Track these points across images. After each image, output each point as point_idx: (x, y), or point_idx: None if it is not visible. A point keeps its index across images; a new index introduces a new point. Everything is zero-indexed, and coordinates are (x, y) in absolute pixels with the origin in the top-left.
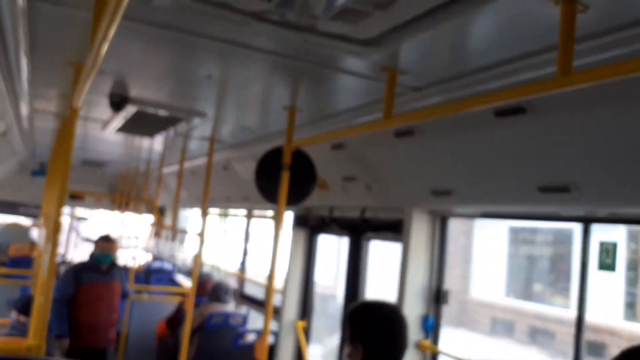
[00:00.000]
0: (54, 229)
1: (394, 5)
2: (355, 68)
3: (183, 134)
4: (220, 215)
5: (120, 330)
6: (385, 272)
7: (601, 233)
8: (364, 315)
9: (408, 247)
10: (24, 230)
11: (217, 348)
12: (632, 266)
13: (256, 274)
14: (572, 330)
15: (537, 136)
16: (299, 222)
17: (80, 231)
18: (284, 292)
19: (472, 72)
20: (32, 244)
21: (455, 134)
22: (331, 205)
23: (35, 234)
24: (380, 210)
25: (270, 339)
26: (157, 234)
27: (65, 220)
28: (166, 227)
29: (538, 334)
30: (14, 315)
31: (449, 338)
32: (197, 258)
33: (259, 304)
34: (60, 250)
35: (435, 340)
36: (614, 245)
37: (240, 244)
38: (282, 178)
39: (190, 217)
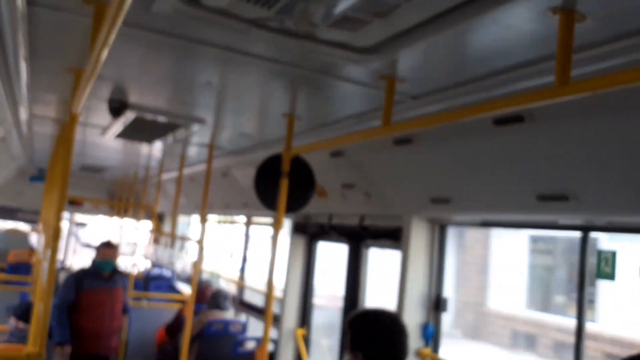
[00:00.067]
0: (54, 235)
1: (393, 14)
2: (354, 76)
3: (182, 141)
4: (220, 222)
5: (120, 337)
6: (385, 279)
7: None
8: (364, 323)
9: (407, 255)
10: (23, 236)
11: (217, 355)
12: None
13: (254, 280)
14: (601, 346)
15: (536, 144)
16: (298, 229)
17: (80, 237)
18: (283, 299)
19: (470, 80)
20: (31, 250)
21: (454, 142)
22: (330, 213)
23: (34, 239)
24: (379, 217)
25: (270, 347)
26: (156, 241)
27: (64, 226)
28: (165, 234)
29: (563, 349)
30: (12, 321)
31: (466, 351)
32: (197, 265)
33: (259, 312)
34: (60, 256)
35: (435, 348)
36: (613, 254)
37: (239, 251)
38: (281, 185)
39: (191, 223)
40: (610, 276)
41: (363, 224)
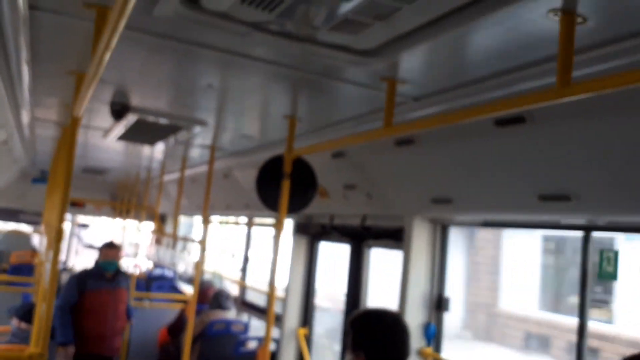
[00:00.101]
0: (56, 237)
1: (394, 17)
2: (355, 78)
3: (184, 142)
4: (221, 222)
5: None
6: (387, 279)
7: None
8: (366, 323)
9: (409, 255)
10: (26, 238)
11: (219, 355)
12: None
13: (256, 280)
14: (619, 348)
15: (537, 145)
16: (300, 229)
17: (82, 238)
18: (285, 299)
19: (471, 82)
20: (34, 251)
21: (455, 143)
22: (332, 213)
23: (37, 241)
24: (380, 218)
25: (271, 347)
26: (157, 242)
27: (66, 227)
28: (167, 235)
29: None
30: (15, 322)
31: (477, 354)
32: (199, 265)
33: (260, 312)
34: (62, 257)
35: (437, 348)
36: (616, 254)
37: (241, 251)
38: (282, 186)
39: (194, 224)
40: (613, 276)
41: (365, 224)
